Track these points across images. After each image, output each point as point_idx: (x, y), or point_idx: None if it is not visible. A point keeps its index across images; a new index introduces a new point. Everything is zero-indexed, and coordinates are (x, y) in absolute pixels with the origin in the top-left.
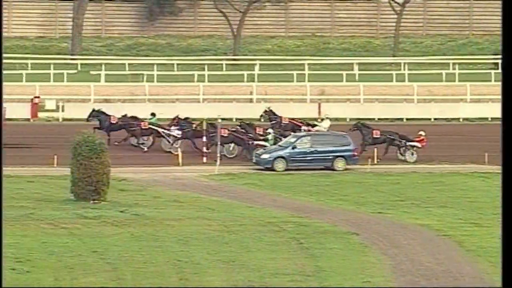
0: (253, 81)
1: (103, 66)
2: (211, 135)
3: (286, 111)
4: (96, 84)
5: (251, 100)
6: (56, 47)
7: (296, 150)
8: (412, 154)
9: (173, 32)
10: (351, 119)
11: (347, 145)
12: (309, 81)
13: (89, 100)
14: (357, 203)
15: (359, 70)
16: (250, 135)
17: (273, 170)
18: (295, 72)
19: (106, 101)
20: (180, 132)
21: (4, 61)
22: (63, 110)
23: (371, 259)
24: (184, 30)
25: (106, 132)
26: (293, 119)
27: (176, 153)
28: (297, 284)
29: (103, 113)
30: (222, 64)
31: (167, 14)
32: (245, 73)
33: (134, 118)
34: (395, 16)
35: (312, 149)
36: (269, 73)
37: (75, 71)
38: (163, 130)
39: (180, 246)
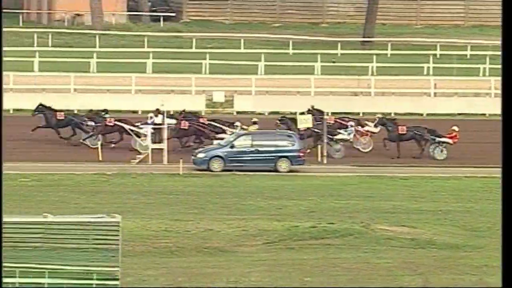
0: None
1: None
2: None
3: None
4: None
5: None
6: None
7: (234, 149)
8: (442, 151)
9: None
10: None
11: (291, 145)
12: None
13: None
14: None
15: None
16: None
17: (210, 170)
18: None
19: None
20: (150, 130)
21: None
22: None
23: None
24: None
25: (54, 129)
26: (340, 117)
27: (145, 151)
28: None
29: (49, 108)
30: None
31: None
32: None
33: (98, 114)
34: None
35: (253, 149)
36: None
37: None
38: (129, 127)
39: None
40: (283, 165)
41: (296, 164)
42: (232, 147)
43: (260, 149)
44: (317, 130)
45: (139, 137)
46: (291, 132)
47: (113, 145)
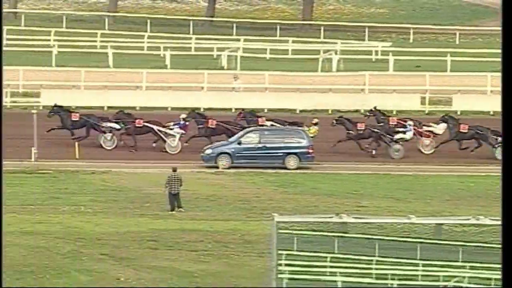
0: None
1: None
2: (199, 126)
3: None
4: None
5: None
6: None
7: (242, 145)
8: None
9: None
10: None
11: (300, 141)
12: None
13: None
14: None
15: None
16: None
17: (217, 167)
18: None
19: None
20: (180, 130)
21: None
22: None
23: None
24: None
25: (69, 130)
26: (403, 119)
27: (174, 152)
28: None
29: (64, 109)
30: None
31: None
32: None
33: (128, 114)
34: None
35: (260, 145)
36: None
37: None
38: (159, 128)
39: None
40: (291, 162)
41: (305, 161)
42: (239, 143)
43: (268, 145)
44: (377, 130)
45: (167, 138)
46: (300, 128)
47: (154, 144)
